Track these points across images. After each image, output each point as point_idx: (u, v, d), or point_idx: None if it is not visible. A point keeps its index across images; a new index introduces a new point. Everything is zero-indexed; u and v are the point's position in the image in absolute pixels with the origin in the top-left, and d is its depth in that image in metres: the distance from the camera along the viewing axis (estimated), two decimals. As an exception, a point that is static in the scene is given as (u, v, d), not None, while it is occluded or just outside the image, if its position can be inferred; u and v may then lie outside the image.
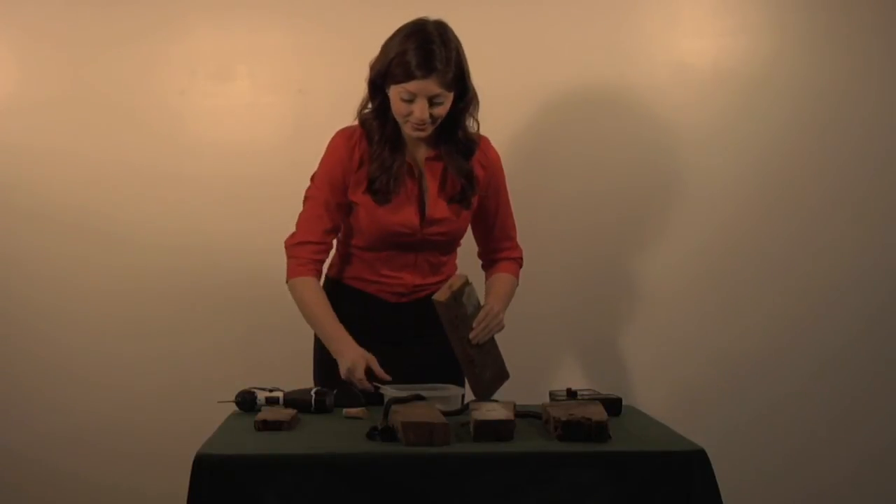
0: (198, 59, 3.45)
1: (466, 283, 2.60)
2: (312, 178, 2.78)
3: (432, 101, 2.61)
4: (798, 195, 3.49)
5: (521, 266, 2.90)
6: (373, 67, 2.68)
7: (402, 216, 2.69)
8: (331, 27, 3.42)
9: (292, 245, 2.74)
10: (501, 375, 2.73)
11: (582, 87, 3.46)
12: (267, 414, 2.30)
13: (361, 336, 2.75)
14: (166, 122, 3.44)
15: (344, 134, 2.75)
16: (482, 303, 2.69)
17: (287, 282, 2.75)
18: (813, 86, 3.47)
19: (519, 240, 2.91)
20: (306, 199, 2.77)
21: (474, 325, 2.61)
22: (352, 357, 2.59)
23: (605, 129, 3.47)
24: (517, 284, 2.87)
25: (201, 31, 3.45)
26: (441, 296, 2.56)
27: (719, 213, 3.49)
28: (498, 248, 2.86)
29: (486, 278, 2.87)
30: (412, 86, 2.59)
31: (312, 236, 2.73)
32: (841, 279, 3.49)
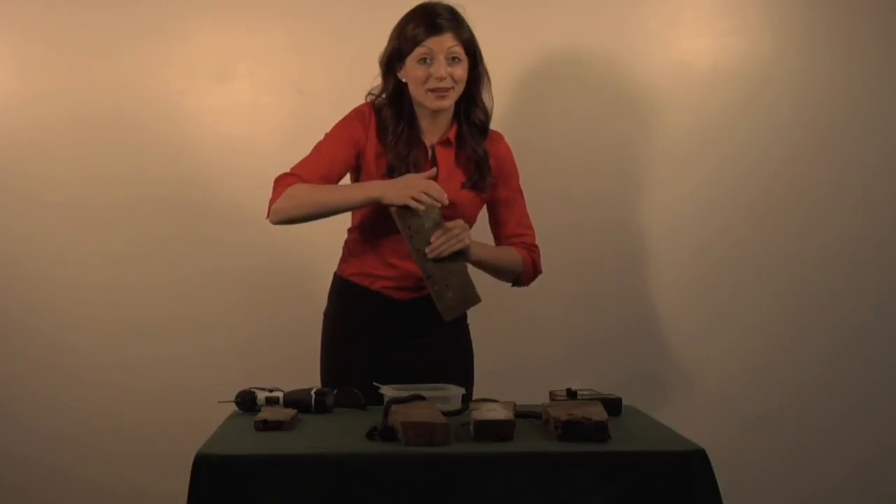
0: (198, 59, 3.45)
1: None
2: (325, 136, 2.75)
3: (451, 60, 2.63)
4: (798, 195, 3.49)
5: (533, 260, 2.83)
6: (385, 49, 2.70)
7: None
8: (331, 27, 3.42)
9: (282, 176, 2.66)
10: (468, 298, 2.67)
11: (581, 88, 3.46)
12: (267, 414, 2.30)
13: (368, 335, 2.75)
14: (166, 123, 3.43)
15: (368, 104, 2.75)
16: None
17: (270, 208, 2.63)
18: (813, 86, 3.47)
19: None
20: (313, 149, 2.72)
21: (432, 239, 2.58)
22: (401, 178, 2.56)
23: (604, 129, 3.47)
24: (518, 264, 2.79)
25: (201, 31, 3.45)
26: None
27: (720, 213, 3.49)
28: (511, 243, 2.82)
29: None
30: (429, 43, 2.62)
31: (306, 174, 2.65)
32: (841, 279, 3.49)
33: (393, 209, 2.55)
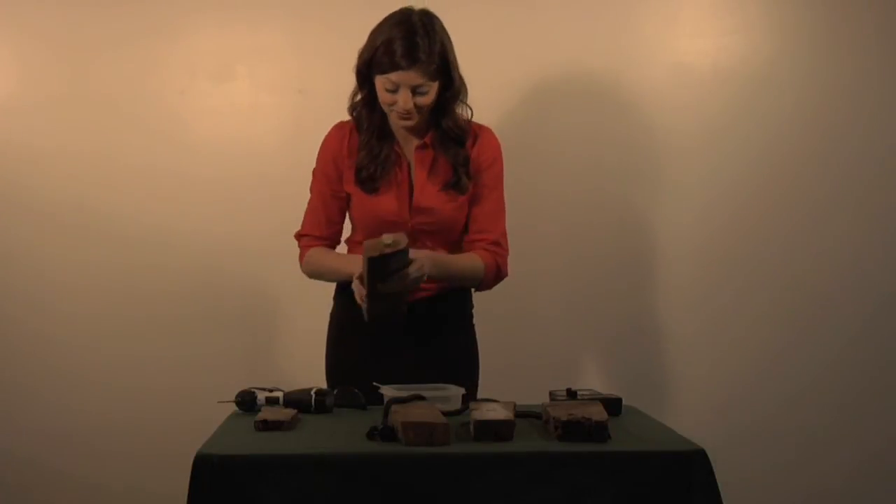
0: (198, 59, 3.45)
1: (403, 250, 2.49)
2: (313, 173, 2.83)
3: (416, 91, 2.62)
4: (798, 195, 3.49)
5: (497, 264, 2.76)
6: (360, 56, 2.70)
7: (390, 204, 2.70)
8: (331, 27, 3.42)
9: (298, 236, 2.83)
10: (395, 313, 2.64)
11: (581, 88, 3.46)
12: (267, 414, 2.30)
13: (370, 336, 2.75)
14: (166, 122, 3.44)
15: (337, 126, 2.80)
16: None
17: (302, 265, 2.83)
18: (813, 85, 3.47)
19: (512, 243, 2.82)
20: (310, 191, 2.83)
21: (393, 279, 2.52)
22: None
23: (604, 130, 3.47)
24: (479, 274, 2.74)
25: (201, 31, 3.45)
26: (373, 250, 2.47)
27: (719, 213, 3.49)
28: (475, 239, 2.77)
29: None
30: (395, 76, 2.61)
31: (313, 230, 2.80)
32: (841, 279, 3.49)
33: (369, 256, 2.46)
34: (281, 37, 3.45)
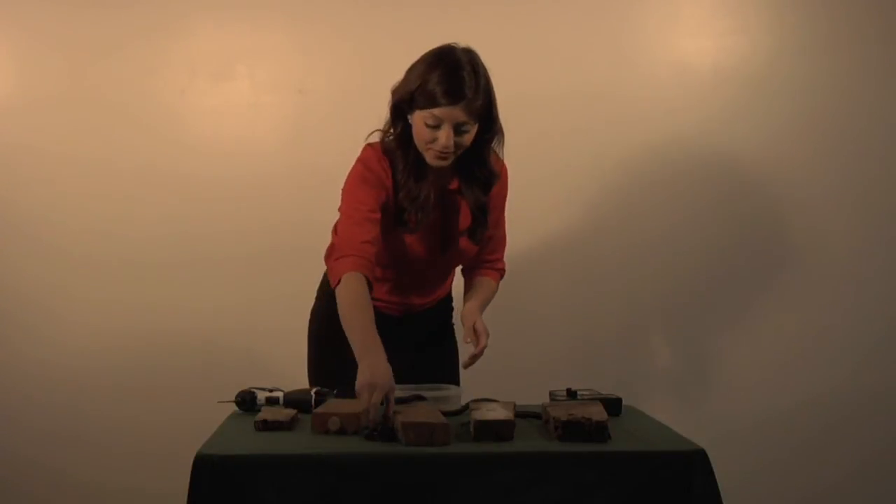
0: (198, 59, 3.45)
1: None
2: (344, 193, 2.63)
3: (458, 129, 2.52)
4: (798, 194, 3.49)
5: (501, 275, 2.83)
6: (396, 92, 2.58)
7: (425, 246, 2.66)
8: (331, 27, 3.42)
9: (346, 244, 2.53)
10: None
11: (582, 88, 3.46)
12: (267, 414, 2.30)
13: None
14: (166, 122, 3.44)
15: (375, 150, 2.63)
16: None
17: (337, 282, 2.51)
18: (812, 85, 3.48)
19: (510, 248, 2.85)
20: (344, 211, 2.60)
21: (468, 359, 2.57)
22: (373, 376, 2.28)
23: (604, 129, 3.47)
24: (495, 290, 2.80)
25: (201, 31, 3.46)
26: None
27: (720, 213, 3.49)
28: (485, 260, 2.80)
29: (466, 280, 2.81)
30: (439, 111, 2.49)
31: (366, 236, 2.53)
32: (841, 279, 3.49)
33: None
34: (281, 37, 3.45)
